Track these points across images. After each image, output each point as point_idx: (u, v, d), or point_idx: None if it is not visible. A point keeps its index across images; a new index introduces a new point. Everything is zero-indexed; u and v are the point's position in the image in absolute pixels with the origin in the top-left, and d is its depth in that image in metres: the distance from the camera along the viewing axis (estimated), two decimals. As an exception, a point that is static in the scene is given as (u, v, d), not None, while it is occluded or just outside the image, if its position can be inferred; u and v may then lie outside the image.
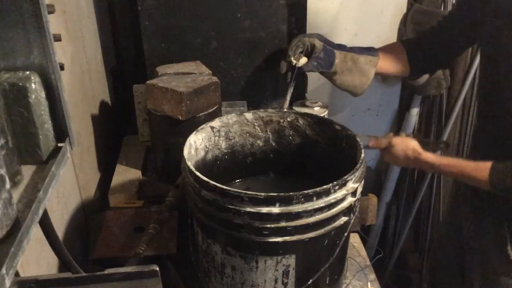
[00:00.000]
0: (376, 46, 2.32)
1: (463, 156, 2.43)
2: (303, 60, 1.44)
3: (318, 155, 1.26)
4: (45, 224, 0.70)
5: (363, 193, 1.10)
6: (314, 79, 2.27)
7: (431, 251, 1.98)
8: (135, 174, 1.54)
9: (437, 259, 1.72)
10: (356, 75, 1.50)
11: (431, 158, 1.35)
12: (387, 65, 1.54)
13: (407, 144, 1.38)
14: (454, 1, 2.16)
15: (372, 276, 1.29)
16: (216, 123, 1.22)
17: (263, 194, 0.91)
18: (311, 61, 1.43)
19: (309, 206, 0.93)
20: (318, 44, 1.44)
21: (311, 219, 0.94)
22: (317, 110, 1.68)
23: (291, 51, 1.45)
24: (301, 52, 1.44)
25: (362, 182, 1.03)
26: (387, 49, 1.57)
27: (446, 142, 1.42)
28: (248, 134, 1.28)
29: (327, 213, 0.96)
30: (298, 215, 0.93)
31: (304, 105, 1.72)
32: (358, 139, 1.13)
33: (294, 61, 1.44)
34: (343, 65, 1.48)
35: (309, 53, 1.45)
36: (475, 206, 1.44)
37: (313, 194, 0.93)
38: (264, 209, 0.92)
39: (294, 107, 1.74)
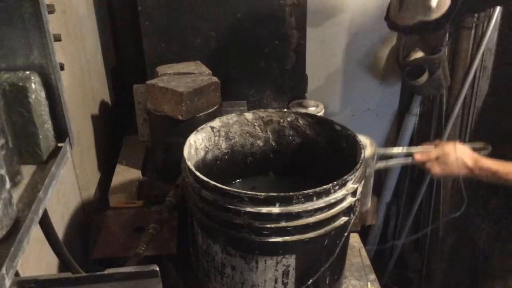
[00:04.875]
0: (377, 46, 2.34)
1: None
2: None
3: (318, 155, 1.25)
4: (45, 224, 0.70)
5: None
6: (314, 79, 2.28)
7: (439, 258, 1.93)
8: (135, 174, 1.54)
9: (448, 269, 1.68)
10: None
11: (492, 164, 1.22)
12: None
13: (463, 151, 1.25)
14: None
15: (372, 276, 1.29)
16: (216, 123, 1.22)
17: (263, 194, 0.91)
18: None
19: (309, 206, 0.93)
20: None
21: (311, 219, 0.94)
22: (312, 110, 1.68)
23: None
24: None
25: (362, 182, 1.03)
26: None
27: (486, 144, 1.31)
28: (248, 134, 1.28)
29: (327, 213, 0.96)
30: (298, 215, 0.93)
31: (300, 106, 1.73)
32: (395, 158, 1.09)
33: None
34: None
35: None
36: (494, 219, 1.39)
37: (313, 194, 0.93)
38: (264, 209, 0.92)
39: (290, 108, 1.74)
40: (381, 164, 1.29)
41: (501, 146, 1.31)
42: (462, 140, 2.39)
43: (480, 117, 1.48)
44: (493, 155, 1.27)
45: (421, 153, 1.28)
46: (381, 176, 2.64)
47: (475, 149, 1.28)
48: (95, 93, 1.69)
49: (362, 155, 1.06)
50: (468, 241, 1.47)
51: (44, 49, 0.63)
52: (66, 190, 1.27)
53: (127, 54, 2.09)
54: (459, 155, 1.24)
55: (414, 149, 1.31)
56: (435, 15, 1.23)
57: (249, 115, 1.26)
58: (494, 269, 1.41)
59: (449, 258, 1.66)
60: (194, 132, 1.16)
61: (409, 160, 1.30)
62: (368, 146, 1.24)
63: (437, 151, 1.27)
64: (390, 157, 1.34)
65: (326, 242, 1.01)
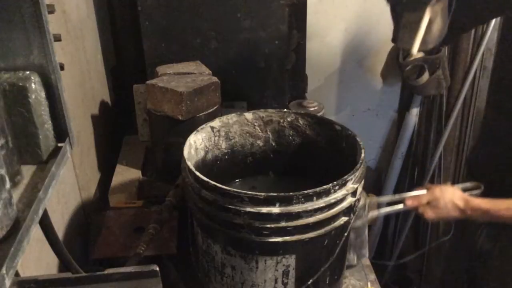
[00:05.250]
0: (377, 46, 2.34)
1: (463, 157, 2.43)
2: None
3: (318, 155, 1.25)
4: (45, 224, 0.70)
5: (363, 193, 1.11)
6: (314, 79, 2.28)
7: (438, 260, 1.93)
8: (135, 174, 1.54)
9: (446, 270, 1.66)
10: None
11: (482, 203, 1.23)
12: None
13: (453, 194, 1.26)
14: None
15: (372, 276, 1.29)
16: (216, 123, 1.22)
17: (263, 194, 0.91)
18: None
19: (309, 206, 0.93)
20: None
21: (311, 219, 0.94)
22: (312, 110, 1.68)
23: None
24: None
25: (362, 182, 1.03)
26: None
27: (478, 183, 1.33)
28: (248, 134, 1.28)
29: (327, 213, 0.96)
30: (298, 215, 0.93)
31: (300, 106, 1.72)
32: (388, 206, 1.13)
33: None
34: None
35: None
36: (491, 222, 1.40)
37: (313, 194, 0.93)
38: (264, 209, 0.92)
39: (290, 108, 1.74)
40: (374, 213, 1.30)
41: (502, 149, 1.31)
42: (463, 140, 2.39)
43: (483, 118, 1.48)
44: (496, 160, 1.26)
45: (412, 198, 1.29)
46: (381, 176, 2.64)
47: (467, 189, 1.29)
48: (95, 93, 1.69)
49: (362, 155, 1.06)
50: (466, 241, 1.46)
51: (44, 49, 0.63)
52: (66, 190, 1.27)
53: (127, 54, 2.09)
54: (450, 198, 1.25)
55: (405, 195, 1.32)
56: (431, 46, 1.26)
57: (249, 115, 1.26)
58: (493, 271, 1.41)
59: (447, 258, 1.65)
60: (194, 132, 1.16)
61: (401, 206, 1.31)
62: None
63: (428, 195, 1.28)
64: (381, 205, 1.35)
65: (326, 242, 1.01)
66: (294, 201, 0.92)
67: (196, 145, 1.16)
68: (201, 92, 1.38)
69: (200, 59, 1.64)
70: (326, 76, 2.36)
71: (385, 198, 1.36)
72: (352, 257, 1.26)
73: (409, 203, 1.28)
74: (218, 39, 1.70)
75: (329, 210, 0.96)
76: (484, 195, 1.38)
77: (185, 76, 1.48)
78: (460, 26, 1.39)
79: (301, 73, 1.83)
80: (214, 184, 0.95)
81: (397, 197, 1.33)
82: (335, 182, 0.95)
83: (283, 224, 0.93)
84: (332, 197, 0.95)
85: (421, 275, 2.61)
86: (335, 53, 2.31)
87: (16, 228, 0.54)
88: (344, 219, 1.00)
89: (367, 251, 1.30)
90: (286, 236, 0.95)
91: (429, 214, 1.28)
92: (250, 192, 0.92)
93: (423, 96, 2.32)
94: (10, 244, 0.52)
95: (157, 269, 0.71)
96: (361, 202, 1.22)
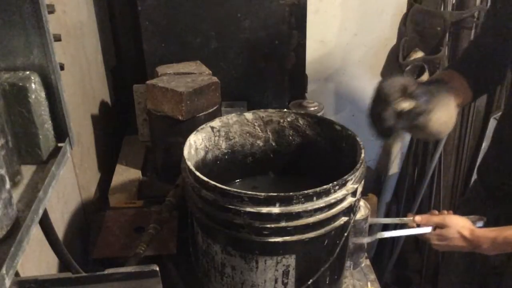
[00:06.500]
0: (377, 45, 2.34)
1: (463, 157, 2.43)
2: (408, 103, 1.13)
3: (318, 155, 1.25)
4: (45, 224, 0.70)
5: (363, 193, 1.10)
6: (314, 79, 2.28)
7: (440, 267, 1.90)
8: (135, 174, 1.54)
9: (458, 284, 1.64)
10: (443, 109, 1.22)
11: (489, 232, 1.21)
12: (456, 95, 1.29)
13: (463, 225, 1.23)
14: (454, 1, 2.16)
15: (372, 276, 1.29)
16: (216, 123, 1.22)
17: (263, 194, 0.91)
18: (418, 98, 1.12)
19: (309, 206, 0.93)
20: (408, 81, 1.16)
21: (311, 219, 0.94)
22: (312, 110, 1.68)
23: (389, 97, 1.14)
24: (399, 96, 1.14)
25: (362, 182, 1.03)
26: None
27: (482, 217, 1.30)
28: (248, 134, 1.28)
29: (327, 213, 0.96)
30: (298, 215, 0.93)
31: (300, 106, 1.72)
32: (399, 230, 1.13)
33: (402, 107, 1.12)
34: (434, 99, 1.17)
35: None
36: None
37: (313, 194, 0.93)
38: (264, 209, 0.92)
39: (290, 108, 1.74)
40: (383, 235, 1.30)
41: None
42: (463, 140, 2.39)
43: (497, 124, 1.46)
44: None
45: (421, 217, 1.26)
46: (381, 176, 2.64)
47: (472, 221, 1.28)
48: (95, 93, 1.69)
49: (362, 155, 1.06)
50: (479, 255, 1.38)
51: (44, 49, 0.63)
52: (66, 190, 1.27)
53: (127, 54, 2.09)
54: (460, 229, 1.22)
55: (406, 220, 1.30)
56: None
57: (249, 115, 1.26)
58: (508, 282, 1.39)
59: (458, 272, 1.62)
60: (194, 132, 1.16)
61: (409, 230, 1.29)
62: (361, 208, 1.24)
63: (438, 218, 1.25)
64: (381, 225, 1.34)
65: (326, 242, 1.01)
66: (294, 201, 0.92)
67: (196, 145, 1.16)
68: (201, 92, 1.38)
69: (200, 59, 1.64)
70: (326, 76, 2.36)
71: (386, 220, 1.35)
72: (348, 265, 1.27)
73: (417, 219, 1.26)
74: (218, 39, 1.70)
75: (329, 210, 0.96)
76: (498, 206, 1.36)
77: (185, 76, 1.48)
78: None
79: (301, 73, 1.83)
80: (214, 184, 0.95)
81: (397, 221, 1.33)
82: (335, 182, 0.95)
83: (283, 224, 0.93)
84: (332, 197, 0.95)
85: (421, 275, 2.61)
86: (335, 53, 2.31)
87: (16, 228, 0.54)
88: (344, 219, 1.00)
89: (364, 260, 1.31)
90: (286, 236, 0.95)
91: (436, 242, 1.26)
92: (250, 192, 0.92)
93: (423, 96, 2.32)
94: (10, 244, 0.52)
95: (157, 269, 0.71)
96: (363, 213, 1.24)
